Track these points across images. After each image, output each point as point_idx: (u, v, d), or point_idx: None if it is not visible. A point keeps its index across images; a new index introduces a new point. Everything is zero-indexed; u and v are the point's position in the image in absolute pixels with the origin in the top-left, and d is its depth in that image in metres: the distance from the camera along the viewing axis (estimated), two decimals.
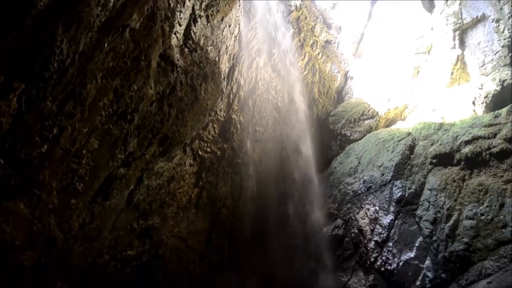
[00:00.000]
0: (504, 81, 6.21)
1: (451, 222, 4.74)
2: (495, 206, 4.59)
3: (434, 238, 4.71)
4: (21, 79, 2.62)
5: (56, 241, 3.44)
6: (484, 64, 6.94)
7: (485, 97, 6.23)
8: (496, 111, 5.49)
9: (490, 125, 5.32)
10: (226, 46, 5.17)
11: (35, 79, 2.68)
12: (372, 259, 5.07)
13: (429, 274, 4.53)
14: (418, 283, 4.56)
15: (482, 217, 4.58)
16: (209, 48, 4.76)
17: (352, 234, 5.55)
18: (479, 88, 6.40)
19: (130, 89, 3.68)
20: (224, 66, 5.22)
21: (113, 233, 4.23)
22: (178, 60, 4.24)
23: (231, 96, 5.59)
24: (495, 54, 6.82)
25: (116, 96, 3.58)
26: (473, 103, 6.32)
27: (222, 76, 5.16)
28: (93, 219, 3.83)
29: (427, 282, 4.50)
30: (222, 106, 5.39)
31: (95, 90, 3.28)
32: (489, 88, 6.27)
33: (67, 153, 3.21)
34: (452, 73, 7.24)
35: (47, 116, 2.96)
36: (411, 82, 7.82)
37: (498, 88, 6.19)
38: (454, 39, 7.43)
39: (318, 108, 7.71)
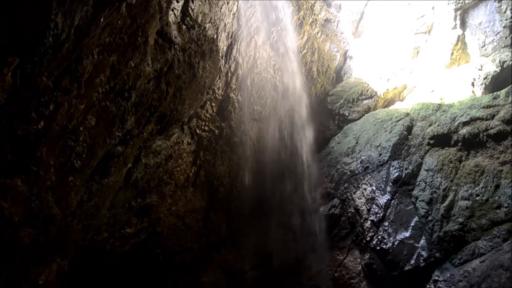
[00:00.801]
0: (504, 62, 6.17)
1: (446, 202, 4.79)
2: (491, 187, 4.63)
3: (430, 218, 4.76)
4: (15, 54, 2.56)
5: (55, 218, 3.45)
6: (484, 45, 6.87)
7: (484, 78, 6.19)
8: (495, 93, 5.47)
9: (488, 107, 5.31)
10: (225, 23, 5.08)
11: (30, 54, 2.63)
12: (368, 238, 5.13)
13: (423, 253, 4.60)
14: (412, 261, 4.63)
15: (478, 198, 4.63)
16: (207, 26, 4.67)
17: (349, 214, 5.60)
18: (479, 69, 6.35)
19: (127, 65, 3.63)
20: (222, 44, 5.14)
21: (111, 211, 4.24)
22: (175, 37, 4.17)
23: (229, 74, 5.53)
24: (496, 35, 6.74)
25: (113, 72, 3.52)
26: (472, 84, 6.29)
27: (220, 54, 5.10)
28: (91, 197, 3.84)
29: (421, 261, 4.57)
30: (220, 85, 5.34)
31: (92, 66, 3.22)
32: (489, 69, 6.23)
33: (64, 130, 3.18)
34: (452, 53, 7.18)
35: (43, 92, 2.91)
36: (410, 62, 7.76)
37: (498, 70, 6.14)
38: (455, 19, 7.32)
39: (316, 87, 7.66)
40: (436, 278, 4.33)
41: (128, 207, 4.46)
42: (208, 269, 5.64)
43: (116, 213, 4.33)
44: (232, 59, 5.48)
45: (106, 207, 4.17)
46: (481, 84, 6.16)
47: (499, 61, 6.22)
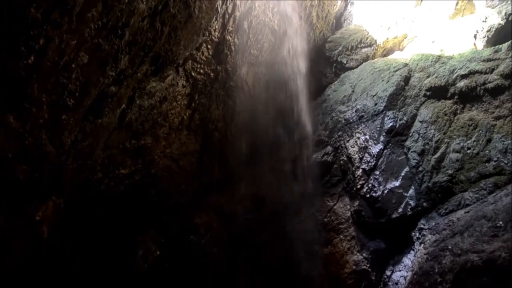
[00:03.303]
0: (509, 15, 5.99)
1: (438, 154, 4.86)
2: (482, 141, 4.69)
3: (420, 169, 4.85)
4: None
5: (49, 156, 3.44)
6: None
7: (487, 31, 6.04)
8: (497, 46, 5.37)
9: (488, 60, 5.24)
10: None
11: None
12: (359, 186, 5.25)
13: (411, 202, 4.74)
14: (400, 210, 4.78)
15: (468, 151, 4.70)
16: None
17: (341, 161, 5.68)
18: (483, 21, 6.18)
19: (120, 1, 3.45)
20: None
21: (105, 151, 4.24)
22: None
23: (226, 16, 5.31)
24: None
25: (106, 8, 3.36)
26: (475, 36, 6.15)
27: None
28: (85, 137, 3.80)
29: (408, 209, 4.72)
30: (216, 26, 5.15)
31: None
32: (493, 22, 6.07)
33: (56, 66, 3.08)
34: (457, 3, 6.94)
35: (32, 24, 2.77)
36: (413, 11, 7.50)
37: (503, 22, 5.98)
38: None
39: (315, 33, 7.44)
40: (421, 226, 4.49)
41: (122, 148, 4.46)
42: (201, 211, 5.78)
43: (110, 154, 4.33)
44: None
45: (101, 148, 4.16)
46: (484, 37, 6.02)
47: (505, 13, 6.03)
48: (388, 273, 4.72)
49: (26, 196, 3.46)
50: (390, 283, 4.61)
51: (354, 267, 5.01)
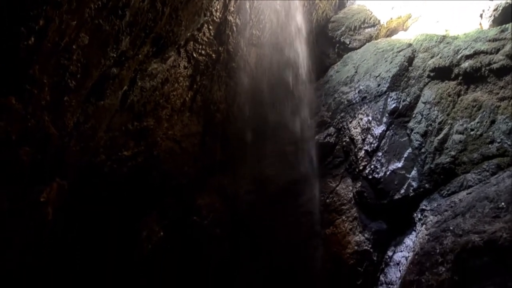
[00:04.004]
0: None
1: (441, 135, 4.84)
2: (486, 122, 4.66)
3: (423, 150, 4.84)
4: None
5: (51, 137, 3.44)
6: None
7: (494, 10, 5.91)
8: (504, 25, 5.28)
9: (494, 40, 5.16)
10: None
11: None
12: (361, 167, 5.25)
13: (413, 183, 4.75)
14: (402, 191, 4.79)
15: (472, 132, 4.68)
16: None
17: (344, 143, 5.67)
18: (490, 0, 6.06)
19: None
20: None
21: (108, 133, 4.24)
22: None
23: None
24: None
25: None
26: (481, 16, 6.03)
27: None
28: (87, 119, 3.80)
29: (411, 191, 4.73)
30: (218, 7, 5.08)
31: None
32: (500, 1, 5.94)
33: (56, 47, 3.05)
34: None
35: (32, 5, 2.73)
36: None
37: (510, 1, 5.85)
38: None
39: (318, 13, 7.33)
40: (423, 207, 4.51)
41: (125, 130, 4.46)
42: (203, 192, 5.81)
43: (113, 136, 4.34)
44: None
45: (103, 130, 4.16)
46: (490, 16, 5.90)
47: None
48: (389, 253, 4.77)
49: (31, 178, 3.48)
50: (391, 264, 4.66)
51: (356, 247, 5.06)
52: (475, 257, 3.18)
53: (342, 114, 5.88)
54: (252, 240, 5.58)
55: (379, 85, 5.62)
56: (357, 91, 5.85)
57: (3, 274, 3.64)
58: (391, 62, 5.78)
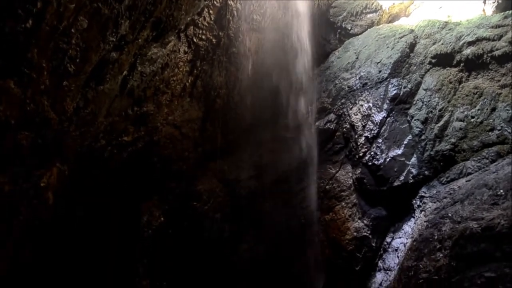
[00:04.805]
0: None
1: (441, 122, 4.84)
2: (487, 109, 4.66)
3: (423, 137, 4.84)
4: None
5: (51, 122, 3.43)
6: None
7: None
8: (507, 12, 5.22)
9: (497, 26, 5.12)
10: None
11: None
12: (361, 154, 5.26)
13: (413, 170, 4.76)
14: (401, 178, 4.81)
15: (472, 120, 4.67)
16: None
17: (344, 129, 5.66)
18: None
19: None
20: None
21: (108, 118, 4.23)
22: None
23: None
24: None
25: None
26: (484, 2, 5.97)
27: None
28: (87, 104, 3.78)
29: (410, 177, 4.75)
30: None
31: None
32: None
33: (55, 30, 3.01)
34: None
35: None
36: None
37: None
38: None
39: None
40: (422, 194, 4.54)
41: (124, 116, 4.45)
42: (204, 177, 5.82)
43: (113, 121, 4.32)
44: None
45: (103, 115, 4.14)
46: (493, 2, 5.84)
47: None
48: (388, 239, 4.81)
49: (31, 163, 3.49)
50: (390, 249, 4.70)
51: (355, 233, 5.10)
52: (472, 244, 3.20)
53: (342, 101, 5.85)
54: (251, 224, 5.61)
55: (380, 71, 5.59)
56: (358, 78, 5.82)
57: (7, 257, 3.68)
58: (393, 48, 5.73)
